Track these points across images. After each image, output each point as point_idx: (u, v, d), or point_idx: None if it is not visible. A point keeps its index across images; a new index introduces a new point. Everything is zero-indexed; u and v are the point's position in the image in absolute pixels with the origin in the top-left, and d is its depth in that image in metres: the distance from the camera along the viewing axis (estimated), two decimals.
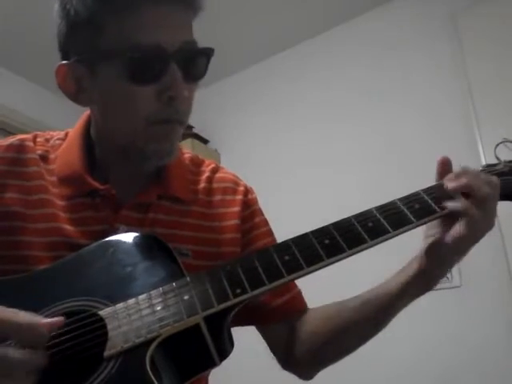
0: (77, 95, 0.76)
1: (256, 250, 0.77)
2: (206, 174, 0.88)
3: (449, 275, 2.03)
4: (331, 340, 0.80)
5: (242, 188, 0.89)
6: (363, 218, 0.67)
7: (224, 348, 0.61)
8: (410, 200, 0.69)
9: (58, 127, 0.94)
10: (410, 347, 2.04)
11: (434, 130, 2.24)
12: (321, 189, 2.44)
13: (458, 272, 2.03)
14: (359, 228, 0.66)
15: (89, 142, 0.82)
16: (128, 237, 0.71)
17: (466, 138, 2.12)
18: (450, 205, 0.67)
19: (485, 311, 1.95)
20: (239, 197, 0.87)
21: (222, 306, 0.61)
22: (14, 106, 2.71)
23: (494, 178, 0.69)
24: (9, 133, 2.57)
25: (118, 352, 0.57)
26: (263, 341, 0.88)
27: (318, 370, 0.84)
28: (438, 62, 2.33)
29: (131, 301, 0.62)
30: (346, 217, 0.68)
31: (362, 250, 0.65)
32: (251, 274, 0.63)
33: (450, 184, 0.68)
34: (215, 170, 0.90)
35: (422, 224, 0.68)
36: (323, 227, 0.67)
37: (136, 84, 0.70)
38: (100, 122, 0.79)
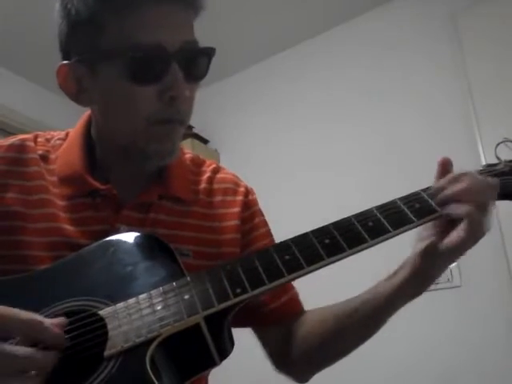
0: (78, 95, 0.76)
1: (256, 250, 0.77)
2: (207, 175, 0.88)
3: (449, 275, 2.03)
4: (326, 342, 0.80)
5: (242, 189, 0.89)
6: (363, 217, 0.67)
7: (224, 348, 0.61)
8: (410, 199, 0.69)
9: (58, 127, 0.94)
10: (409, 347, 2.04)
11: (434, 130, 2.24)
12: (321, 188, 2.44)
13: (458, 272, 2.03)
14: (359, 227, 0.66)
15: (89, 141, 0.82)
16: (128, 237, 0.71)
17: (466, 138, 2.12)
18: (452, 208, 0.66)
19: (485, 311, 1.95)
20: (239, 198, 0.87)
21: (223, 305, 0.60)
22: (13, 106, 2.71)
23: (494, 181, 0.68)
24: (9, 133, 2.56)
25: (119, 352, 0.57)
26: None
27: (313, 373, 0.84)
28: (438, 62, 2.33)
29: (131, 300, 0.62)
30: (346, 215, 0.68)
31: (363, 249, 0.65)
32: (251, 273, 0.63)
33: (450, 187, 0.67)
34: (216, 171, 0.90)
35: (423, 223, 0.68)
36: (323, 227, 0.67)
37: (137, 84, 0.70)
38: (101, 121, 0.79)
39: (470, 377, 1.90)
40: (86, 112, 0.85)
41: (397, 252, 0.74)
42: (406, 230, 0.67)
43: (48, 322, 0.56)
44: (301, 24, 2.65)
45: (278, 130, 2.71)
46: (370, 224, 0.66)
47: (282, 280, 0.63)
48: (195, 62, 0.73)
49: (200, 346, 0.60)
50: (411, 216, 0.67)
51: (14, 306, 0.55)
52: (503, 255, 1.94)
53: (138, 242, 0.71)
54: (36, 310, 0.59)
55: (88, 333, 0.60)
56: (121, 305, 0.62)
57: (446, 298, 2.01)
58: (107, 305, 0.62)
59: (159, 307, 0.60)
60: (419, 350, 2.02)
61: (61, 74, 0.75)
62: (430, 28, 2.39)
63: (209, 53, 0.75)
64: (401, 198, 0.70)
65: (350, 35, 2.61)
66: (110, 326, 0.59)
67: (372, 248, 0.66)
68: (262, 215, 0.91)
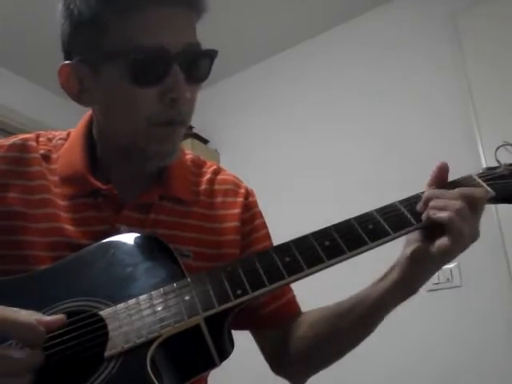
0: (79, 95, 0.76)
1: (256, 252, 0.77)
2: (208, 176, 0.88)
3: (449, 275, 2.04)
4: (320, 343, 0.80)
5: (242, 190, 0.89)
6: (363, 219, 0.67)
7: (224, 348, 0.61)
8: (410, 202, 0.69)
9: (58, 127, 0.94)
10: (409, 347, 2.04)
11: (433, 130, 2.24)
12: (320, 188, 2.44)
13: (458, 272, 2.03)
14: (359, 230, 0.66)
15: (91, 141, 0.82)
16: (129, 237, 0.71)
17: (466, 138, 2.12)
18: (434, 213, 0.65)
19: (485, 311, 1.95)
20: (240, 199, 0.87)
21: (223, 306, 0.61)
22: (13, 106, 2.71)
23: (482, 194, 0.68)
24: (9, 133, 2.56)
25: (119, 352, 0.57)
26: None
27: (309, 376, 0.84)
28: (438, 62, 2.33)
29: (132, 301, 0.62)
30: (346, 218, 0.68)
31: (363, 251, 0.65)
32: (252, 275, 0.63)
33: (439, 202, 0.66)
34: (217, 172, 0.90)
35: (423, 226, 0.68)
36: (323, 229, 0.67)
37: (138, 85, 0.70)
38: (102, 122, 0.79)
39: (470, 377, 1.90)
40: (88, 112, 0.85)
41: (397, 253, 0.74)
42: (406, 233, 0.67)
43: (46, 319, 0.56)
44: (301, 24, 2.65)
45: (278, 129, 2.71)
46: (370, 226, 0.66)
47: (283, 282, 0.63)
48: (197, 64, 0.73)
49: (200, 347, 0.60)
50: (411, 219, 0.67)
51: (14, 307, 0.55)
52: (503, 255, 1.94)
53: (139, 243, 0.71)
54: (37, 310, 0.59)
55: (88, 333, 0.60)
56: (121, 305, 0.62)
57: (446, 298, 2.02)
58: (108, 305, 0.62)
59: (160, 308, 0.61)
60: (419, 350, 2.02)
61: (63, 74, 0.75)
62: (430, 28, 2.39)
63: (211, 55, 0.75)
64: (401, 201, 0.70)
65: (350, 35, 2.62)
66: (110, 327, 0.60)
67: (372, 250, 0.66)
68: (262, 217, 0.91)
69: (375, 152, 2.37)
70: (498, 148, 0.74)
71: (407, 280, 0.71)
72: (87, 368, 0.57)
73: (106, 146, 0.81)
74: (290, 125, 2.69)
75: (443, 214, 0.64)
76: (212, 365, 0.61)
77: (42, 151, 0.81)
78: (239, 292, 0.61)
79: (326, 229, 0.67)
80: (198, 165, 0.90)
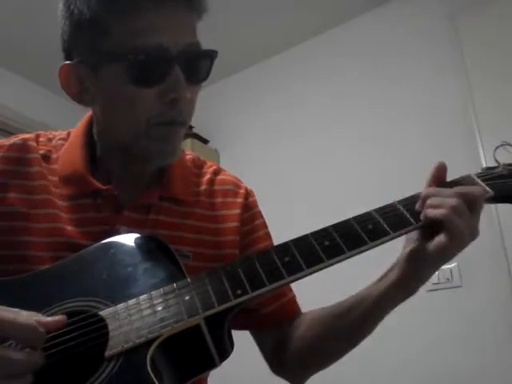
0: (79, 95, 0.76)
1: (256, 252, 0.77)
2: (208, 176, 0.88)
3: (449, 275, 2.04)
4: (319, 344, 0.80)
5: (242, 191, 0.89)
6: (363, 219, 0.68)
7: (224, 348, 0.62)
8: (410, 202, 0.70)
9: (58, 127, 0.94)
10: (409, 347, 2.04)
11: (434, 131, 2.24)
12: (320, 189, 2.44)
13: (458, 272, 2.03)
14: (359, 230, 0.66)
15: (91, 142, 0.82)
16: (129, 238, 0.71)
17: (466, 139, 2.12)
18: (430, 211, 0.65)
19: (485, 311, 1.95)
20: (240, 199, 0.87)
21: (223, 306, 0.61)
22: (13, 106, 2.71)
23: (479, 192, 0.68)
24: (9, 133, 2.57)
25: (119, 352, 0.57)
26: None
27: (307, 376, 0.84)
28: (438, 62, 2.33)
29: (132, 301, 0.62)
30: (345, 218, 0.68)
31: (362, 251, 0.65)
32: (252, 274, 0.63)
33: (435, 200, 0.67)
34: (217, 172, 0.90)
35: (422, 226, 0.68)
36: (323, 229, 0.67)
37: (139, 86, 0.70)
38: (102, 122, 0.79)
39: (470, 377, 1.90)
40: (88, 112, 0.85)
41: (396, 254, 0.74)
42: (405, 233, 0.68)
43: (46, 320, 0.56)
44: (301, 24, 2.65)
45: (278, 130, 2.71)
46: (370, 226, 0.66)
47: (282, 282, 0.63)
48: (197, 65, 0.73)
49: (200, 347, 0.60)
50: (410, 218, 0.67)
51: (14, 307, 0.55)
52: (503, 255, 1.94)
53: (139, 243, 0.71)
54: (37, 310, 0.59)
55: (89, 333, 0.60)
56: (121, 305, 0.62)
57: (446, 298, 2.01)
58: (108, 305, 0.62)
59: (160, 308, 0.61)
60: (419, 350, 2.02)
61: (63, 74, 0.75)
62: (430, 28, 2.39)
63: (211, 55, 0.75)
64: (400, 201, 0.70)
65: (349, 35, 2.62)
66: (110, 327, 0.60)
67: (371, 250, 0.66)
68: (262, 217, 0.91)
69: (375, 152, 2.37)
70: (496, 148, 0.74)
71: (407, 280, 0.71)
72: (87, 368, 0.57)
73: (106, 146, 0.81)
74: (290, 125, 2.69)
75: (438, 211, 0.64)
76: (212, 365, 0.61)
77: (41, 151, 0.81)
78: (239, 292, 0.61)
79: (325, 229, 0.67)
80: (198, 165, 0.90)
